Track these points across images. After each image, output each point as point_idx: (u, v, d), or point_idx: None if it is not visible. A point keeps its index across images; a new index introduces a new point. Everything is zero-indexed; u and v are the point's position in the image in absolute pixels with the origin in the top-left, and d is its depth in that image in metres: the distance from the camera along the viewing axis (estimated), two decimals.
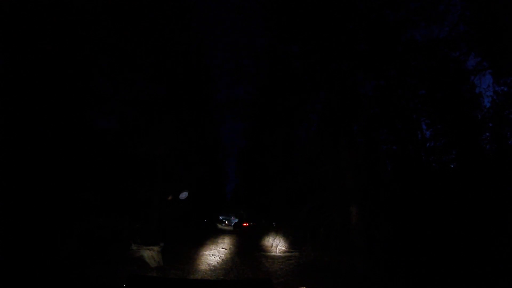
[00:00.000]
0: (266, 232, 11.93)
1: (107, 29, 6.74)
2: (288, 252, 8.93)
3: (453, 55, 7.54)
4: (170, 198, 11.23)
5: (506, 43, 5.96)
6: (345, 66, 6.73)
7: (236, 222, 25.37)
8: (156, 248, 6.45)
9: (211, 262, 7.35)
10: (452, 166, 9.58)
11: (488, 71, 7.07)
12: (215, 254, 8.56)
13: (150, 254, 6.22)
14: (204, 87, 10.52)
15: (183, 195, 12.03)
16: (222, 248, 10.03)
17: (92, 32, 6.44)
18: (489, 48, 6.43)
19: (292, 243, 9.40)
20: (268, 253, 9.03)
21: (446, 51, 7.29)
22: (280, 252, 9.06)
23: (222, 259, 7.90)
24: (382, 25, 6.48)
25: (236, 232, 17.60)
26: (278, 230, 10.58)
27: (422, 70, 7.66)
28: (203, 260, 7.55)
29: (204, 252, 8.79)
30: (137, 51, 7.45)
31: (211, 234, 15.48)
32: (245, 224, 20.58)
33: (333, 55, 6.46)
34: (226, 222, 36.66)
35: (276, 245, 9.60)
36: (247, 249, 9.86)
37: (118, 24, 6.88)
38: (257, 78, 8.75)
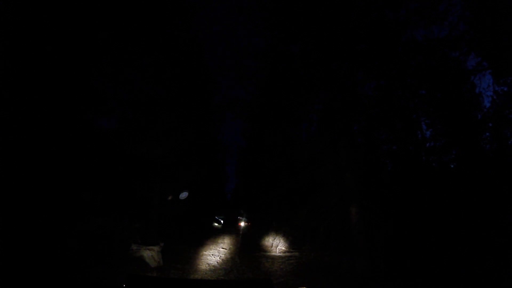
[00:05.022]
0: (266, 232, 11.93)
1: (107, 29, 6.74)
2: (288, 252, 8.93)
3: (453, 55, 7.54)
4: (170, 198, 11.24)
5: (506, 43, 5.96)
6: (345, 66, 6.72)
7: (223, 219, 23.20)
8: (156, 248, 6.44)
9: (211, 262, 7.35)
10: (452, 166, 9.58)
11: (488, 71, 7.06)
12: (215, 254, 8.56)
13: (150, 254, 6.22)
14: (204, 87, 10.52)
15: (183, 195, 12.04)
16: (222, 248, 10.03)
17: (92, 32, 6.44)
18: (489, 48, 6.43)
19: (292, 243, 9.40)
20: (268, 253, 9.02)
21: (446, 51, 7.28)
22: (280, 252, 9.06)
23: (222, 259, 7.90)
24: (382, 25, 6.48)
25: (235, 233, 17.59)
26: (278, 230, 10.58)
27: (422, 70, 7.65)
28: (203, 260, 7.55)
29: (204, 252, 8.79)
30: (137, 51, 7.44)
31: (211, 234, 15.48)
32: (241, 224, 20.07)
33: (333, 55, 6.45)
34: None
35: (276, 245, 9.60)
36: (247, 249, 9.86)
37: (118, 24, 6.87)
38: (257, 78, 8.73)
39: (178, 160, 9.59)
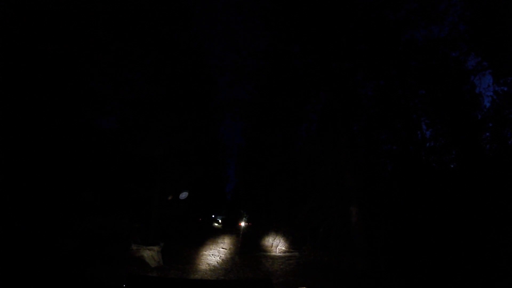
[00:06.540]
0: (266, 232, 11.93)
1: (107, 29, 6.74)
2: (288, 252, 8.93)
3: (453, 55, 7.54)
4: (170, 198, 11.23)
5: (506, 43, 5.96)
6: (345, 66, 6.73)
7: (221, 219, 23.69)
8: (156, 248, 6.44)
9: (211, 262, 7.35)
10: (452, 166, 9.57)
11: (488, 71, 7.06)
12: (215, 254, 8.56)
13: (150, 254, 6.22)
14: (204, 87, 10.52)
15: (183, 195, 12.03)
16: (222, 248, 10.03)
17: (92, 32, 6.44)
18: (489, 48, 6.43)
19: (292, 243, 9.40)
20: (268, 253, 9.02)
21: (446, 51, 7.28)
22: (280, 252, 9.06)
23: (222, 259, 7.90)
24: (382, 25, 6.49)
25: (235, 233, 17.59)
26: (278, 230, 10.58)
27: (422, 70, 7.66)
28: (203, 260, 7.55)
29: (204, 252, 8.79)
30: (137, 51, 7.45)
31: (211, 234, 15.49)
32: (241, 224, 20.20)
33: (333, 55, 6.46)
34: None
35: (276, 245, 9.60)
36: (247, 249, 9.86)
37: (118, 24, 6.88)
38: (257, 78, 8.76)
39: (178, 160, 9.59)
